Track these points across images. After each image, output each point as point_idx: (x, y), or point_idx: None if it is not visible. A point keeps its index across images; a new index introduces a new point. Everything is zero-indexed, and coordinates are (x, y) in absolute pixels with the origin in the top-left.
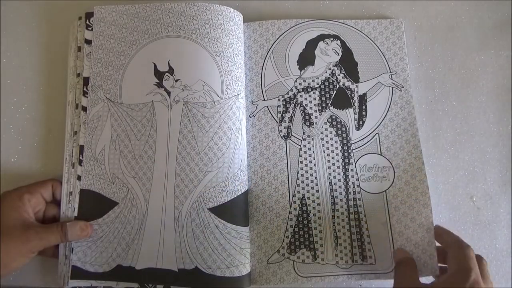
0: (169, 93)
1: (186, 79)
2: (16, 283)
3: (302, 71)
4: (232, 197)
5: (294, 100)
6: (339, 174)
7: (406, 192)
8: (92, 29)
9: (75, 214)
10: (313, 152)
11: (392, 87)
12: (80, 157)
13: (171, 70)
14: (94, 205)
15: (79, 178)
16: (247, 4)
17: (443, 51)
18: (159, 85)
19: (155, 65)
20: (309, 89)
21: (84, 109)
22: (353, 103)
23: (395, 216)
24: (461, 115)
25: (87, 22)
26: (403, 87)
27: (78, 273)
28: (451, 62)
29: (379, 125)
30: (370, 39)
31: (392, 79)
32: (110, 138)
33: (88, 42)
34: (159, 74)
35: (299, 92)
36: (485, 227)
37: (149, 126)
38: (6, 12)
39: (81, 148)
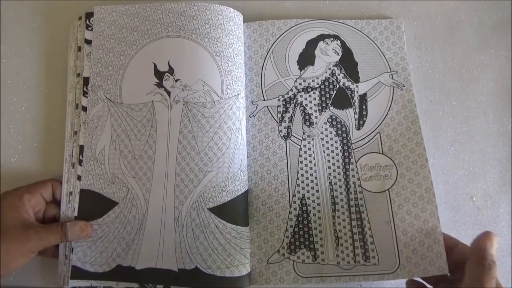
0: (169, 93)
1: (186, 79)
2: (16, 283)
3: (302, 71)
4: (232, 197)
5: (294, 100)
6: (339, 174)
7: (409, 189)
8: (92, 29)
9: (75, 214)
10: (313, 152)
11: (393, 87)
12: (80, 157)
13: (171, 70)
14: (94, 205)
15: (79, 178)
16: (247, 4)
17: (443, 51)
18: (159, 85)
19: (155, 65)
20: (309, 89)
21: (84, 109)
22: (353, 103)
23: (399, 215)
24: (461, 115)
25: (87, 22)
26: (404, 86)
27: (78, 273)
28: (451, 62)
29: (380, 124)
30: (370, 39)
31: (392, 78)
32: (110, 138)
33: (88, 42)
34: (159, 74)
35: (299, 92)
36: (485, 227)
37: (149, 126)
38: (6, 12)
39: (81, 148)
